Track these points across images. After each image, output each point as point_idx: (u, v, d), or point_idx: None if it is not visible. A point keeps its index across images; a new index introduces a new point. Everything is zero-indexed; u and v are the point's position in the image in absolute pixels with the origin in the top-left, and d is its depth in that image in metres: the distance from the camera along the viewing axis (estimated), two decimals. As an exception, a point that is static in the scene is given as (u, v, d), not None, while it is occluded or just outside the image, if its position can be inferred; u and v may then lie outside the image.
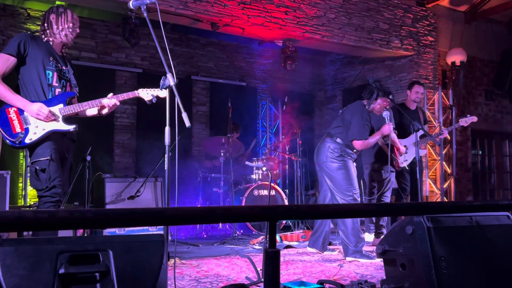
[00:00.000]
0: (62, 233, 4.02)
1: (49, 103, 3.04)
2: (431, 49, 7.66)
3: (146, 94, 3.24)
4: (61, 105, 3.07)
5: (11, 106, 2.96)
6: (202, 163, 7.26)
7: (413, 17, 7.48)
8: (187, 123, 2.49)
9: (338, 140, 4.26)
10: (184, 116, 2.49)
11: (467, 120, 5.44)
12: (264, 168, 6.18)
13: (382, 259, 2.40)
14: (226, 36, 7.24)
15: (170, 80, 2.60)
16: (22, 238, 2.32)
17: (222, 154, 6.20)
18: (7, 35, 6.35)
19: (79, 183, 4.84)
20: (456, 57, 7.72)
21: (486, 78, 8.83)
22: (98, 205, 5.19)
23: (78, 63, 6.73)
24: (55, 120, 3.01)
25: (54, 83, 3.09)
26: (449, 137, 5.19)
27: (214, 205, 6.14)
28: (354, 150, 4.29)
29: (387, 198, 5.29)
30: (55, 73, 3.10)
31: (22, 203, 6.22)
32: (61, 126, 3.05)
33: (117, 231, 4.74)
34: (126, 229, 4.74)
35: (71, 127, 3.09)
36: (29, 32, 3.31)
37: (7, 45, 3.04)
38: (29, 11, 6.50)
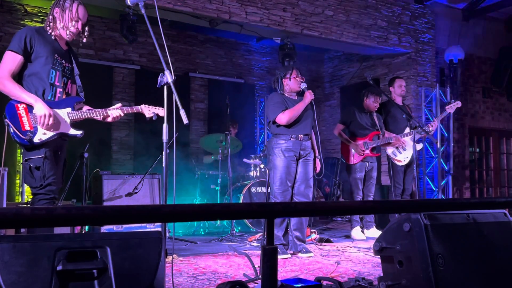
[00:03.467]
0: (60, 230, 4.02)
1: (57, 105, 3.01)
2: (429, 47, 7.67)
3: (148, 111, 3.32)
4: (69, 109, 3.05)
5: (21, 102, 2.88)
6: (200, 160, 7.25)
7: (411, 15, 7.48)
8: (185, 120, 2.48)
9: (275, 135, 4.27)
10: (182, 113, 2.49)
11: (452, 106, 5.53)
12: (262, 166, 6.18)
13: (379, 256, 2.41)
14: (224, 33, 7.24)
15: (168, 77, 2.59)
16: (19, 235, 2.31)
17: (220, 151, 6.20)
18: (4, 31, 6.33)
19: (76, 180, 4.84)
20: (454, 55, 7.74)
21: (483, 76, 8.85)
22: (96, 202, 5.19)
23: (75, 59, 6.73)
24: (60, 124, 2.98)
25: (56, 83, 3.03)
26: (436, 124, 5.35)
27: (212, 202, 6.14)
28: (291, 136, 4.19)
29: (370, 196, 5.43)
30: (58, 72, 3.03)
31: (20, 200, 6.22)
32: (70, 130, 3.05)
33: (115, 228, 4.74)
34: (124, 226, 4.74)
35: (78, 133, 3.08)
36: (37, 26, 3.21)
37: (13, 42, 2.92)
38: (26, 7, 6.48)
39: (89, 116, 3.13)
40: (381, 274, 2.41)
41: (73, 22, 3.03)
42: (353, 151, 5.34)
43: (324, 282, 2.82)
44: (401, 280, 2.23)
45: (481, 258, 2.22)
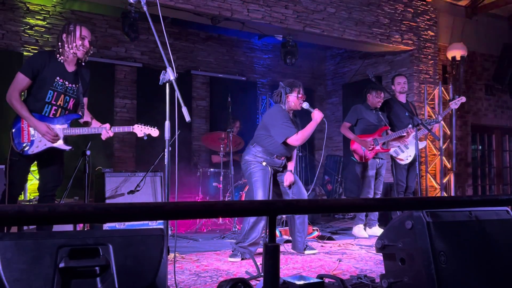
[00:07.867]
0: (62, 228, 4.03)
1: (56, 121, 3.42)
2: (432, 44, 7.64)
3: (140, 131, 3.65)
4: (65, 126, 3.46)
5: None
6: (202, 158, 7.26)
7: (414, 12, 7.45)
8: (187, 118, 2.48)
9: (257, 147, 4.06)
10: (184, 110, 2.48)
11: (456, 102, 5.51)
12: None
13: (382, 254, 2.41)
14: (226, 30, 7.23)
15: (170, 74, 2.59)
16: (22, 232, 2.32)
17: (221, 148, 6.20)
18: (6, 29, 6.33)
19: (79, 177, 4.84)
20: (457, 52, 7.72)
21: (486, 73, 8.82)
22: (98, 200, 5.20)
23: (77, 57, 6.73)
24: (58, 139, 3.42)
25: (53, 101, 3.42)
26: (442, 120, 5.30)
27: (214, 200, 6.15)
28: (276, 156, 4.05)
29: (377, 193, 5.41)
30: (56, 93, 3.41)
31: (22, 198, 6.23)
32: (60, 144, 3.45)
33: (117, 225, 4.74)
34: (126, 223, 4.74)
35: (67, 148, 3.49)
36: (49, 50, 3.66)
37: (25, 64, 3.45)
38: (28, 5, 6.48)
39: (81, 132, 3.55)
40: (383, 272, 2.41)
41: (80, 42, 3.46)
42: (364, 149, 5.31)
43: (326, 280, 2.83)
44: (403, 278, 2.23)
45: (483, 255, 2.21)
